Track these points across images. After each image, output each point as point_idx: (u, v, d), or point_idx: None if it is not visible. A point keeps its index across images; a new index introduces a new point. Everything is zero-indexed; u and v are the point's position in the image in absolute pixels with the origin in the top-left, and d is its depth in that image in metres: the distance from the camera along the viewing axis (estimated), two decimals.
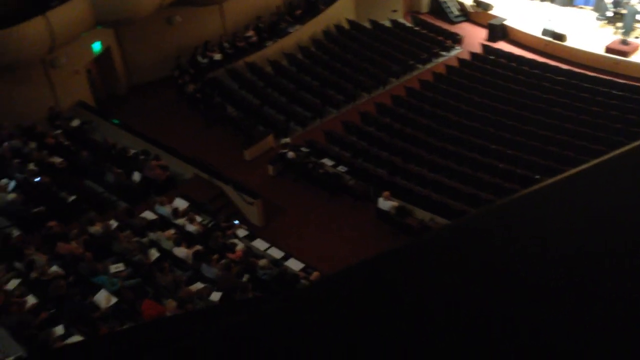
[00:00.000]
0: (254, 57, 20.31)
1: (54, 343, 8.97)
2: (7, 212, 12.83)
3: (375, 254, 1.27)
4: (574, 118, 16.64)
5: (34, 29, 15.22)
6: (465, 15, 23.68)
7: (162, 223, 12.80)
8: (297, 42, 21.38)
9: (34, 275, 10.49)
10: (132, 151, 15.37)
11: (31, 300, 9.98)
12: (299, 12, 22.39)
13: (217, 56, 20.09)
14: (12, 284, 10.40)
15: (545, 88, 18.21)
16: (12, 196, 12.84)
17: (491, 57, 20.44)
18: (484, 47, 21.19)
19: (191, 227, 12.64)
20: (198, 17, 20.43)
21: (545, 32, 21.12)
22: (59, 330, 9.34)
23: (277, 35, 21.30)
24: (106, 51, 18.92)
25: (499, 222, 1.34)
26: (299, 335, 1.19)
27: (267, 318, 1.26)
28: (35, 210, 12.69)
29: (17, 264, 10.97)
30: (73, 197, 13.37)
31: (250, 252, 12.22)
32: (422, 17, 23.57)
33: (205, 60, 19.98)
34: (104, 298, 10.05)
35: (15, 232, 12.16)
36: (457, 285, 1.19)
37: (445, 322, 1.13)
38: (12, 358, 8.52)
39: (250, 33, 21.14)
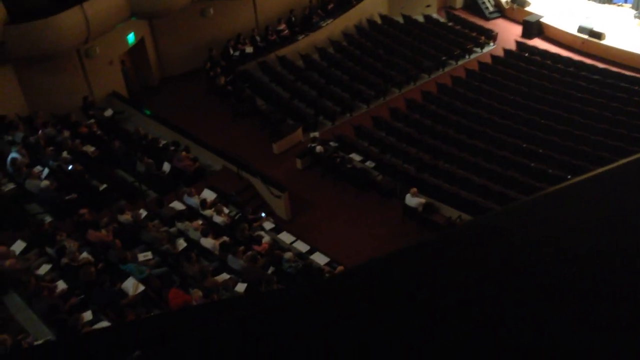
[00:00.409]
0: (285, 51, 20.34)
1: (82, 328, 9.16)
2: (40, 199, 13.12)
3: (390, 251, 1.26)
4: (609, 118, 16.26)
5: (70, 19, 15.49)
6: (501, 11, 23.33)
7: (190, 213, 12.94)
8: (328, 36, 21.35)
9: (64, 261, 10.71)
10: (163, 142, 15.57)
11: (61, 285, 10.20)
12: (331, 6, 22.33)
13: (249, 49, 20.18)
14: (44, 269, 10.64)
15: (580, 87, 17.83)
16: (45, 183, 13.11)
17: (525, 55, 20.10)
18: (519, 44, 20.84)
19: (218, 219, 12.75)
20: (231, 10, 20.55)
21: (582, 29, 20.66)
22: (88, 315, 9.52)
23: (309, 29, 21.29)
24: (140, 42, 19.17)
25: (516, 221, 1.31)
26: (311, 329, 1.18)
27: (279, 310, 1.26)
28: (68, 197, 12.94)
29: (49, 250, 11.21)
30: (104, 186, 13.61)
31: (276, 245, 12.28)
32: (456, 12, 23.30)
33: (237, 53, 20.09)
34: (132, 285, 10.20)
35: (48, 219, 12.42)
36: (470, 284, 1.17)
37: (455, 322, 1.11)
38: (41, 341, 8.72)
39: (282, 26, 21.17)
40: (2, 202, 12.72)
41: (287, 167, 15.85)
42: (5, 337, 8.46)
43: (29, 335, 8.98)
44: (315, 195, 14.92)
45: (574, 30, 20.91)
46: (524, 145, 15.50)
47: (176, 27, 19.60)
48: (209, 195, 13.61)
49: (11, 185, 13.29)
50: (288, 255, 11.54)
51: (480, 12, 23.29)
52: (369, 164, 15.09)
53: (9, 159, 13.81)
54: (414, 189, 13.39)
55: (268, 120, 17.27)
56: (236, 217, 13.02)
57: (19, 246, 11.15)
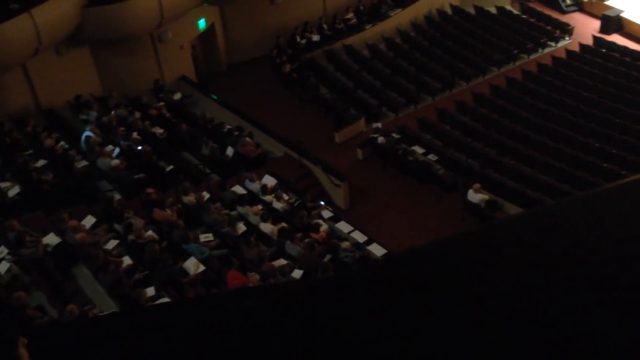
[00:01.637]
0: (352, 40, 20.24)
1: (144, 303, 9.50)
2: (110, 177, 13.66)
3: (445, 237, 1.24)
4: None
5: (145, 3, 15.97)
6: (579, 4, 22.35)
7: (251, 198, 13.16)
8: (396, 26, 21.08)
9: (131, 237, 11.13)
10: (228, 127, 15.86)
11: (127, 261, 10.61)
12: None
13: (316, 37, 20.21)
14: (111, 244, 11.10)
15: None
16: (116, 162, 13.63)
17: (602, 50, 19.20)
18: (596, 39, 19.93)
19: (278, 205, 12.90)
20: None
21: None
22: (150, 291, 9.87)
23: (377, 19, 21.09)
24: (210, 28, 19.54)
25: (578, 213, 1.26)
26: (364, 313, 1.18)
27: (331, 294, 1.26)
28: (136, 176, 13.41)
29: (117, 226, 11.68)
30: (171, 167, 14.01)
31: (333, 234, 12.31)
32: (532, 4, 22.48)
33: (304, 41, 20.17)
34: (193, 265, 10.50)
35: (117, 196, 12.93)
36: (525, 274, 1.13)
37: (502, 318, 1.08)
38: (106, 313, 9.11)
39: (350, 15, 21.08)
40: (75, 178, 13.33)
41: (348, 157, 15.83)
42: (73, 307, 8.89)
43: (95, 307, 9.41)
44: (375, 186, 14.84)
45: None
46: (597, 145, 14.86)
47: (246, 13, 19.85)
48: (269, 181, 13.80)
49: (84, 163, 13.91)
50: (345, 244, 11.56)
51: (556, 5, 22.38)
52: (432, 157, 14.86)
53: (83, 137, 14.43)
54: (477, 185, 13.09)
55: (331, 109, 17.27)
56: (295, 204, 13.14)
57: (89, 221, 11.68)
